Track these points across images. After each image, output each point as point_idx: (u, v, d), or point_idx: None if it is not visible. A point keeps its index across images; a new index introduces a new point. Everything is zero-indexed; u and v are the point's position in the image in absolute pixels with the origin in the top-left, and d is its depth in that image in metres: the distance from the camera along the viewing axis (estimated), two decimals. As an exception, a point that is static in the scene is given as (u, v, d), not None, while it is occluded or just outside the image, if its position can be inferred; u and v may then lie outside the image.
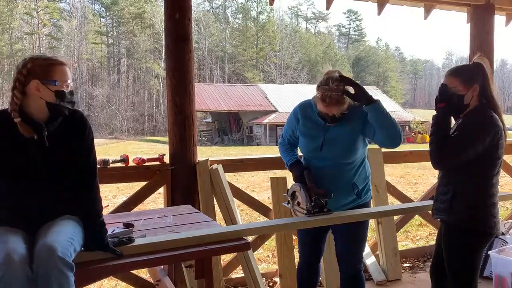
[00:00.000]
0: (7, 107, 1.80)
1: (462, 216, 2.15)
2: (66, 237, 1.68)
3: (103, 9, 55.94)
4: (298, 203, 2.39)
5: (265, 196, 8.57)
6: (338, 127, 2.32)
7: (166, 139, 3.45)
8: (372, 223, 3.61)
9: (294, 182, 2.43)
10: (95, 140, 2.00)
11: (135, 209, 3.17)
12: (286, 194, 2.51)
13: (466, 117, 2.17)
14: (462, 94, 2.14)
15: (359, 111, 2.26)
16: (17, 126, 1.75)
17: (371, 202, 2.62)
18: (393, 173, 11.91)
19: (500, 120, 2.12)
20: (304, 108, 2.45)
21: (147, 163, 3.19)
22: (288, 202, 2.49)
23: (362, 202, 2.46)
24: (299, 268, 2.65)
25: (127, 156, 3.17)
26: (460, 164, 2.10)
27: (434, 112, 2.21)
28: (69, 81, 1.85)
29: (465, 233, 2.16)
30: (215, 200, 3.26)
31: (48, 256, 1.57)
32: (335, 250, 2.53)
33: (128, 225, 2.18)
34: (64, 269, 1.58)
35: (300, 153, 2.57)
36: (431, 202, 2.46)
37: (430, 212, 2.48)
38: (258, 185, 10.61)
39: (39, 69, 1.77)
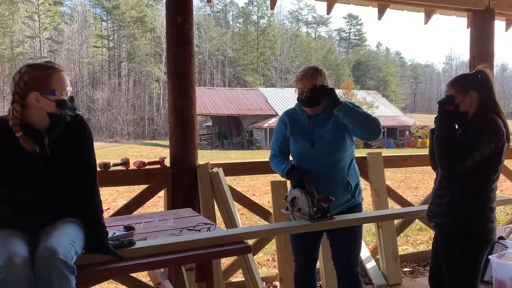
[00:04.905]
0: (7, 112, 1.79)
1: (460, 221, 2.12)
2: (67, 239, 1.69)
3: (104, 13, 56.13)
4: (299, 209, 2.33)
5: (265, 199, 8.56)
6: (322, 125, 2.42)
7: (166, 142, 3.47)
8: (372, 227, 3.60)
9: (292, 188, 2.40)
10: (95, 144, 2.00)
11: (135, 212, 3.17)
12: (285, 201, 2.44)
13: (470, 121, 2.14)
14: (457, 103, 2.14)
15: None
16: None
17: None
18: (393, 177, 11.90)
19: (505, 125, 2.11)
20: (289, 113, 2.58)
21: (147, 167, 3.19)
22: (287, 209, 2.43)
23: (356, 202, 2.50)
24: (296, 274, 2.64)
25: (128, 160, 3.17)
26: (467, 168, 2.05)
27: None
28: (67, 88, 1.82)
29: (463, 240, 2.13)
30: (215, 204, 3.27)
31: (50, 258, 1.57)
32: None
33: (129, 228, 2.18)
34: (65, 271, 1.58)
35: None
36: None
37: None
38: (258, 188, 10.62)
39: (36, 81, 1.74)
